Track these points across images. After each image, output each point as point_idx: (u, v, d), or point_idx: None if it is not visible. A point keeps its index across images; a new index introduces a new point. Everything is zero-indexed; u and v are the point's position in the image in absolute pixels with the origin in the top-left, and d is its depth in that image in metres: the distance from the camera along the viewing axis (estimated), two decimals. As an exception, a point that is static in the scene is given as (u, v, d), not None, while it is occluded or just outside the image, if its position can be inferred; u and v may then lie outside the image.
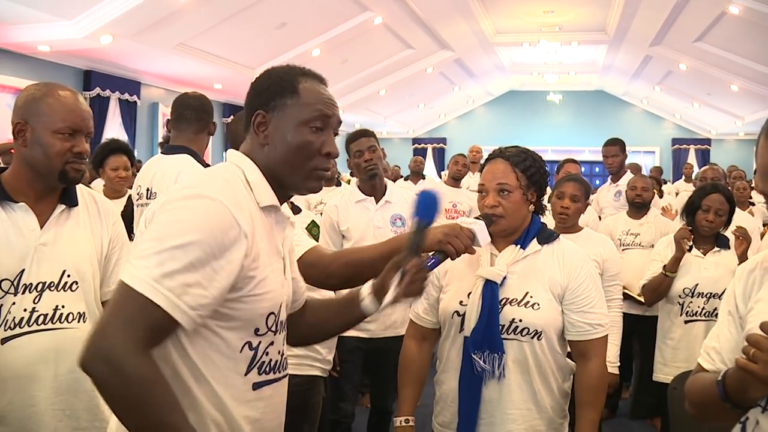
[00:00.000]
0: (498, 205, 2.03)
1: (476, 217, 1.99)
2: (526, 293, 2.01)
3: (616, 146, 5.47)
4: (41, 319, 1.87)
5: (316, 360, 2.72)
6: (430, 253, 1.88)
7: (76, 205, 1.99)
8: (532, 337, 2.00)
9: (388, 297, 1.56)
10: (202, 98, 3.08)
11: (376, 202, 3.33)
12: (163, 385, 1.21)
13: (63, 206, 1.96)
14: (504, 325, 2.00)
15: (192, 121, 2.99)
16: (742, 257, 3.38)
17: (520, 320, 2.00)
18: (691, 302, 3.51)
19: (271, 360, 1.43)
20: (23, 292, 1.85)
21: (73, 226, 1.97)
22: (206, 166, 3.55)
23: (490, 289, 2.01)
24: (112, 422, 1.41)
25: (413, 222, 1.61)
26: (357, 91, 13.21)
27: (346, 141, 3.37)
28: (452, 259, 1.89)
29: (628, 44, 12.46)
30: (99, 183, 4.78)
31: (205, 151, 3.13)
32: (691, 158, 17.13)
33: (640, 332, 4.19)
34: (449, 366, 2.11)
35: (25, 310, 1.85)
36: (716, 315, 3.34)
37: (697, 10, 9.45)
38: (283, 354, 1.49)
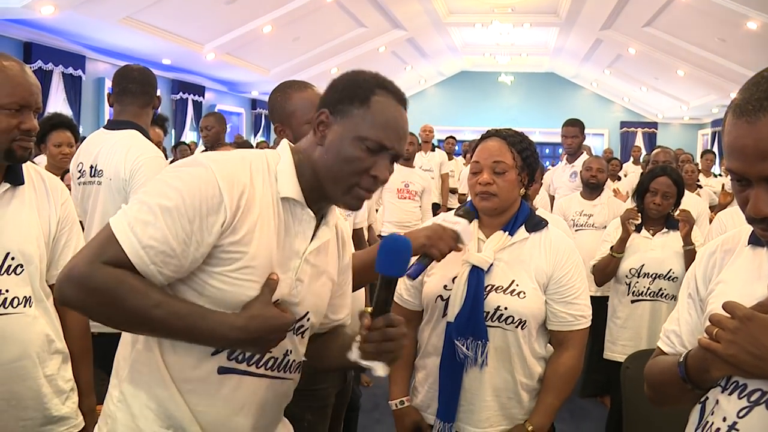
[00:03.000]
0: (492, 183, 1.98)
1: (457, 214, 1.96)
2: (512, 281, 1.98)
3: (576, 127, 5.50)
4: None
5: None
6: (414, 258, 1.86)
7: (22, 183, 1.88)
8: (516, 326, 1.97)
9: (352, 355, 1.40)
10: (146, 71, 2.97)
11: None
12: (130, 282, 1.25)
13: (7, 185, 1.85)
14: (488, 313, 1.97)
15: (137, 95, 2.87)
16: (686, 239, 3.45)
17: (506, 308, 1.97)
18: (638, 282, 3.57)
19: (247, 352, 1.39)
20: None
21: (18, 206, 1.86)
22: (153, 141, 3.44)
23: (476, 275, 1.97)
24: (113, 393, 1.42)
25: (380, 278, 1.39)
26: (308, 69, 13.06)
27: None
28: (437, 261, 1.89)
29: (579, 27, 12.59)
30: (42, 159, 4.61)
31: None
32: (638, 141, 17.51)
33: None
34: (430, 351, 2.09)
35: None
36: (661, 295, 3.49)
37: (646, -6, 9.61)
38: (287, 354, 1.45)
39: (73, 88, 9.62)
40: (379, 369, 1.37)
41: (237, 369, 1.38)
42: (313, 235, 1.45)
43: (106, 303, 1.26)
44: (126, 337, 1.42)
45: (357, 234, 3.37)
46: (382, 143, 1.38)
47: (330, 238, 1.51)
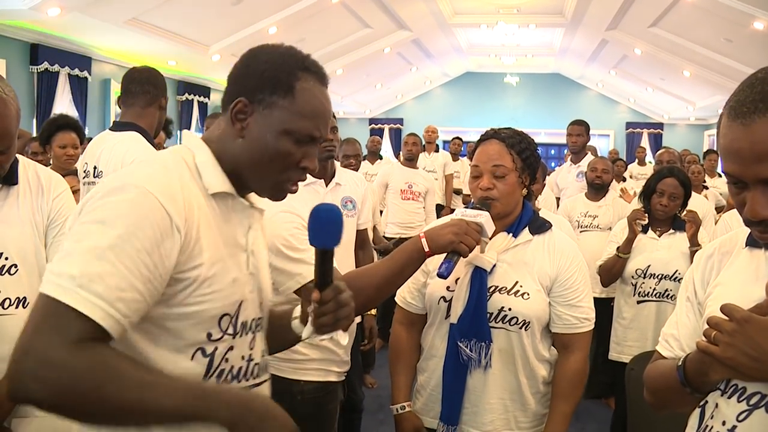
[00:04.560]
0: (493, 188, 1.96)
1: (475, 207, 1.93)
2: (516, 282, 1.97)
3: (581, 126, 5.53)
4: None
5: (332, 363, 2.44)
6: (444, 256, 1.84)
7: (16, 183, 1.86)
8: (520, 327, 1.96)
9: (305, 333, 1.39)
10: (150, 71, 2.95)
11: (326, 185, 3.16)
12: (117, 363, 1.06)
13: (1, 185, 1.83)
14: (492, 314, 1.96)
15: (138, 95, 2.86)
16: (692, 240, 3.44)
17: (509, 309, 1.96)
18: (644, 283, 3.57)
19: (233, 367, 1.30)
20: None
21: (12, 205, 1.85)
22: (155, 143, 3.43)
23: (479, 276, 1.96)
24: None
25: (315, 252, 1.31)
26: None
27: None
28: (464, 257, 1.85)
29: (584, 28, 12.55)
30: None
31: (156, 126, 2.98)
32: (644, 142, 17.44)
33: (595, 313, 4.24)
34: (433, 353, 2.07)
35: None
36: (667, 296, 3.47)
37: (652, -5, 9.58)
38: (250, 359, 1.35)
39: (79, 89, 9.63)
40: (342, 338, 1.37)
41: None
42: (250, 225, 1.36)
43: (87, 396, 1.03)
44: None
45: (361, 235, 3.35)
46: (312, 134, 1.30)
47: None
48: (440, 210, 7.67)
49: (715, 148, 12.86)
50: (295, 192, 1.36)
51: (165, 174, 1.20)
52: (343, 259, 3.12)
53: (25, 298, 1.84)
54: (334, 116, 3.27)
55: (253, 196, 1.39)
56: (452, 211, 7.98)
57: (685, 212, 3.56)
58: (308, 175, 3.08)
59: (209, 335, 1.25)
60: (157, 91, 2.91)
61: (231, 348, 1.29)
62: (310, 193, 3.13)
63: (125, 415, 1.07)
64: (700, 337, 1.24)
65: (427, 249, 1.83)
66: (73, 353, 1.03)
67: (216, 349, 1.27)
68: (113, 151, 2.74)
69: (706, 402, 1.32)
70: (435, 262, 2.03)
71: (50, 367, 1.02)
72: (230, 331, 1.28)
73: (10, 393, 1.06)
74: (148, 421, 1.08)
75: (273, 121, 1.27)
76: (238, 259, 1.31)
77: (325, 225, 1.28)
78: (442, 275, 1.83)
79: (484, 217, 1.86)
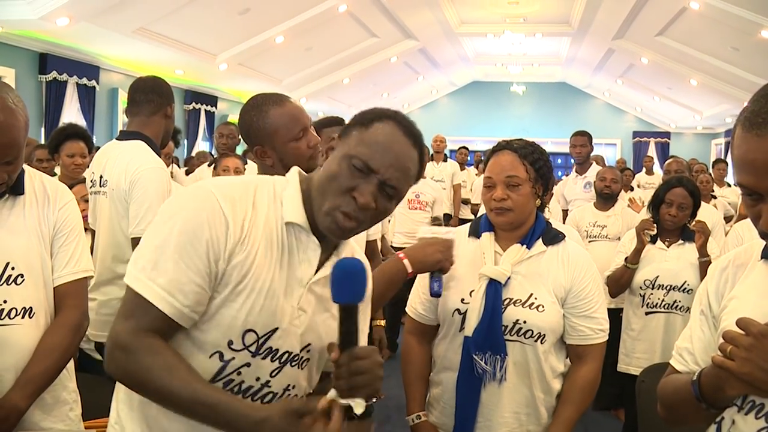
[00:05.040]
0: (507, 198, 1.96)
1: (434, 224, 1.99)
2: (531, 294, 1.96)
3: (584, 137, 5.53)
4: None
5: None
6: (432, 275, 1.89)
7: (22, 193, 1.85)
8: (536, 340, 1.95)
9: (330, 394, 1.24)
10: (155, 80, 2.94)
11: None
12: (161, 354, 1.23)
13: (6, 195, 1.82)
14: (507, 326, 1.94)
15: (142, 104, 2.84)
16: (702, 251, 3.42)
17: (524, 322, 1.94)
18: (652, 294, 3.55)
19: (243, 383, 1.32)
20: None
21: (19, 215, 1.84)
22: (164, 152, 3.42)
23: (494, 288, 1.95)
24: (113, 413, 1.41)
25: (339, 309, 1.26)
26: (320, 79, 13.09)
27: (318, 125, 3.26)
28: (444, 273, 1.93)
29: (591, 37, 12.56)
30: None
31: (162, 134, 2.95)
32: (651, 151, 17.41)
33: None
34: (446, 365, 2.05)
35: None
36: (676, 307, 3.45)
37: (659, 4, 9.57)
38: (267, 385, 1.34)
39: (87, 98, 9.67)
40: (357, 407, 1.24)
41: None
42: (321, 265, 1.38)
43: (139, 379, 1.24)
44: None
45: (370, 246, 3.36)
46: (368, 163, 1.29)
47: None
48: (448, 219, 7.65)
49: (722, 157, 12.84)
50: (346, 227, 1.31)
51: (238, 187, 1.32)
52: None
53: (31, 308, 1.82)
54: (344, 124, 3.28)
55: (343, 245, 1.42)
56: (460, 221, 8.01)
57: (694, 222, 3.53)
58: None
59: (230, 343, 1.30)
60: (162, 99, 2.88)
61: (248, 364, 1.32)
62: None
63: (168, 402, 1.24)
64: (715, 351, 1.22)
65: (410, 270, 1.88)
66: (138, 339, 1.23)
67: (233, 358, 1.31)
68: (118, 160, 2.73)
69: (723, 418, 1.30)
70: (447, 274, 2.04)
71: (119, 349, 1.25)
72: (252, 348, 1.31)
73: (105, 364, 1.28)
74: (179, 411, 1.25)
75: (343, 147, 1.34)
76: (289, 291, 1.34)
77: (351, 280, 1.26)
78: (437, 294, 1.88)
79: (452, 234, 1.91)
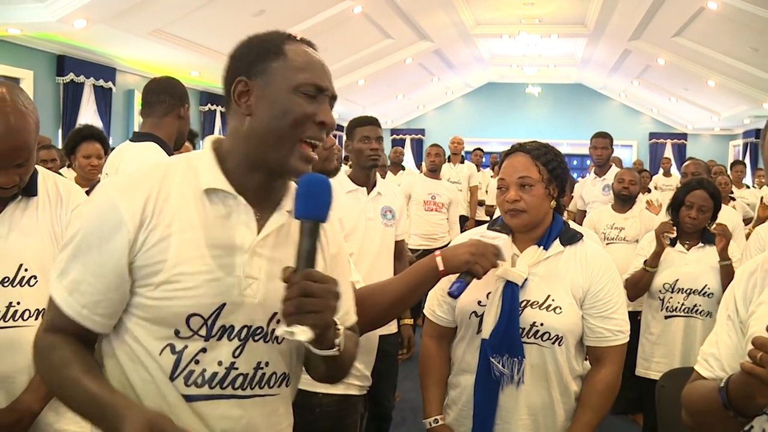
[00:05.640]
0: (519, 200, 1.96)
1: (494, 228, 1.95)
2: (548, 296, 1.94)
3: (606, 139, 5.46)
4: None
5: (351, 377, 2.31)
6: (456, 276, 1.82)
7: (35, 194, 1.85)
8: (553, 343, 1.93)
9: (278, 330, 1.19)
10: (167, 81, 2.93)
11: (368, 193, 3.19)
12: (61, 349, 1.24)
13: (19, 196, 1.82)
14: (524, 329, 1.93)
15: (155, 105, 2.84)
16: (722, 254, 3.37)
17: (542, 324, 1.93)
18: (671, 297, 3.50)
19: (205, 371, 1.25)
20: None
21: (32, 216, 1.84)
22: (171, 153, 3.42)
23: (511, 290, 1.93)
24: None
25: (300, 225, 1.20)
26: (335, 80, 12.57)
27: (352, 124, 3.24)
28: (478, 278, 1.83)
29: (607, 38, 12.48)
30: (67, 172, 4.65)
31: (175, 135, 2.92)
32: (668, 152, 17.29)
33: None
34: (464, 368, 2.05)
35: None
36: (696, 311, 3.40)
37: (676, 5, 9.48)
38: (233, 367, 1.26)
39: (104, 99, 9.73)
40: (299, 333, 1.14)
41: (201, 394, 1.25)
42: (264, 227, 1.29)
43: (47, 373, 1.27)
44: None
45: (399, 246, 3.37)
46: (317, 84, 1.28)
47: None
48: (465, 221, 7.62)
49: (741, 159, 12.72)
50: (314, 158, 1.29)
51: (142, 174, 1.28)
52: (383, 269, 3.13)
53: (44, 310, 1.82)
54: (380, 126, 3.26)
55: (284, 200, 1.33)
56: (476, 222, 7.98)
57: (714, 225, 3.48)
58: (351, 183, 3.03)
59: (177, 332, 1.23)
60: (174, 100, 2.86)
61: (203, 350, 1.25)
62: (351, 200, 3.14)
63: (67, 400, 1.24)
64: (742, 357, 1.20)
65: (441, 268, 1.82)
66: (42, 337, 1.28)
67: (186, 347, 1.24)
68: (130, 161, 2.74)
69: (752, 427, 1.27)
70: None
71: (33, 348, 1.30)
72: (202, 332, 1.24)
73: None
74: (81, 415, 1.24)
75: (275, 84, 1.27)
76: (228, 261, 1.25)
77: (315, 195, 1.21)
78: (452, 294, 1.82)
79: (502, 240, 1.85)
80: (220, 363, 1.26)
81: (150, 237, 1.21)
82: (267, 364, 1.31)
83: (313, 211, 1.19)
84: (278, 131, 1.25)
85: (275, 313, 1.28)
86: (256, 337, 1.29)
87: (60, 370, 1.23)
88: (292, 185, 1.33)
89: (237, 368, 1.27)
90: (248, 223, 1.28)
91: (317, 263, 1.22)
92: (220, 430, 1.27)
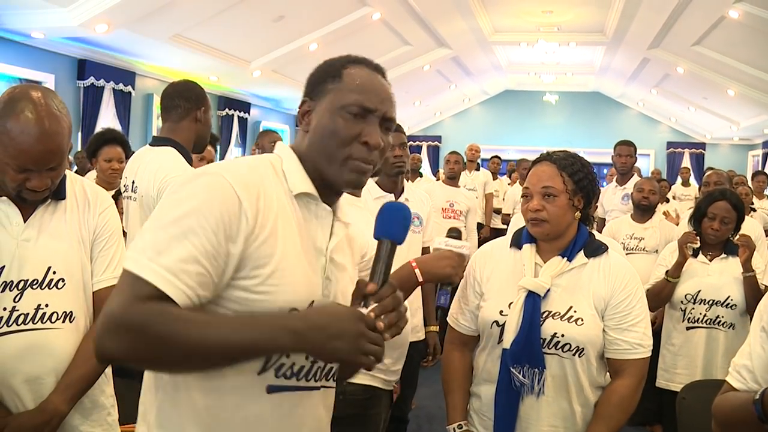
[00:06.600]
0: (542, 209, 1.95)
1: (449, 235, 2.00)
2: (570, 307, 1.93)
3: (630, 147, 5.42)
4: (21, 318, 1.76)
5: (377, 369, 2.28)
6: (440, 287, 1.94)
7: (64, 198, 1.88)
8: (574, 354, 1.92)
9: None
10: (184, 85, 2.93)
11: (395, 200, 3.17)
12: (170, 311, 1.14)
13: (49, 200, 1.85)
14: (545, 339, 1.92)
15: (171, 110, 2.85)
16: (746, 265, 3.34)
17: (562, 335, 1.92)
18: (693, 309, 3.46)
19: (294, 364, 1.29)
20: (3, 291, 1.75)
21: (60, 220, 1.86)
22: (204, 157, 3.42)
23: (533, 300, 1.93)
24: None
25: (379, 245, 1.30)
26: None
27: None
28: (454, 285, 1.98)
29: (626, 46, 12.43)
30: (91, 174, 4.68)
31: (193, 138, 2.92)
32: (686, 162, 17.16)
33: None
34: (485, 377, 2.05)
35: (4, 309, 1.74)
36: (718, 323, 3.37)
37: (696, 13, 9.42)
38: (315, 361, 1.32)
39: (123, 103, 9.81)
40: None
41: (288, 386, 1.29)
42: (331, 232, 1.39)
43: (154, 341, 1.12)
44: (148, 382, 1.32)
45: (426, 253, 3.37)
46: (363, 105, 1.32)
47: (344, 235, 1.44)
48: (480, 228, 7.60)
49: (761, 169, 12.60)
50: (365, 171, 1.34)
51: (246, 168, 1.28)
52: None
53: (71, 312, 1.85)
54: (403, 132, 3.26)
55: (340, 211, 1.42)
56: (492, 230, 7.94)
57: (738, 236, 3.45)
58: (379, 189, 3.05)
59: None
60: (190, 104, 2.86)
61: None
62: (379, 207, 3.13)
63: (190, 355, 1.14)
64: None
65: (420, 279, 1.93)
66: (133, 306, 1.13)
67: None
68: (148, 166, 2.75)
69: (785, 441, 1.25)
70: (487, 285, 2.03)
71: (117, 322, 1.13)
72: None
73: (97, 356, 1.16)
74: (213, 361, 1.17)
75: (327, 103, 1.33)
76: (314, 261, 1.33)
77: (394, 217, 1.32)
78: (444, 306, 1.93)
79: (466, 249, 1.94)
80: (307, 357, 1.31)
81: (263, 231, 1.24)
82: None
83: (398, 234, 1.30)
84: (326, 150, 1.32)
85: None
86: None
87: (194, 315, 1.16)
88: (345, 195, 1.44)
89: (317, 361, 1.33)
90: (324, 227, 1.37)
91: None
92: (297, 423, 1.32)
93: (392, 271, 1.32)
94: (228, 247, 1.20)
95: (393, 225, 1.30)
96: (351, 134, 1.31)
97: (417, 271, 1.92)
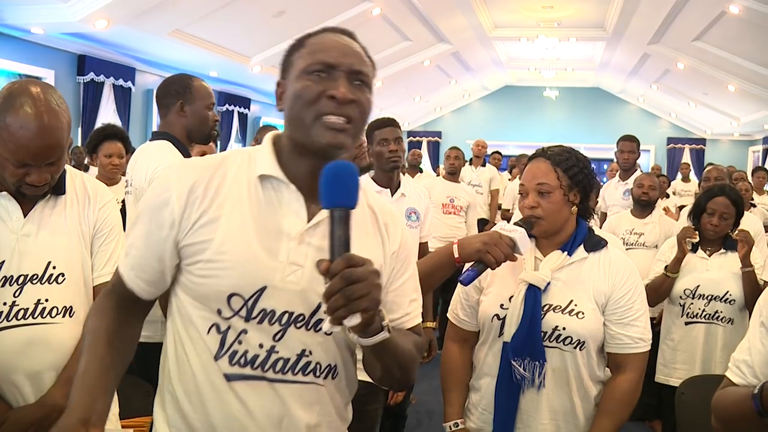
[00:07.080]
0: (537, 206, 1.95)
1: (516, 223, 1.92)
2: (571, 301, 1.94)
3: (633, 142, 5.42)
4: (21, 313, 1.77)
5: None
6: (468, 264, 1.84)
7: (64, 193, 1.89)
8: (575, 347, 1.93)
9: (325, 326, 1.16)
10: (169, 79, 2.90)
11: (392, 195, 3.17)
12: (92, 335, 1.34)
13: (49, 195, 1.86)
14: (546, 333, 1.92)
15: (160, 106, 2.86)
16: (744, 261, 3.34)
17: (563, 328, 1.92)
18: (692, 304, 3.47)
19: (247, 352, 1.28)
20: (3, 285, 1.76)
21: (60, 215, 1.87)
22: (205, 151, 3.43)
23: (533, 294, 1.93)
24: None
25: (329, 216, 1.15)
26: None
27: (370, 127, 3.22)
28: (492, 269, 1.84)
29: (626, 42, 12.42)
30: (93, 171, 4.69)
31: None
32: (686, 157, 17.16)
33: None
34: (486, 371, 2.05)
35: (4, 304, 1.75)
36: (717, 318, 3.37)
37: (697, 9, 9.40)
38: (273, 351, 1.28)
39: (123, 99, 9.81)
40: (353, 319, 1.12)
41: (243, 374, 1.28)
42: (314, 217, 1.31)
43: (85, 333, 1.39)
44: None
45: (423, 248, 3.36)
46: (324, 61, 1.27)
47: (361, 221, 1.33)
48: (484, 224, 7.60)
49: (761, 165, 12.59)
50: (337, 125, 1.26)
51: (208, 159, 1.35)
52: None
53: (71, 307, 1.86)
54: (399, 127, 3.24)
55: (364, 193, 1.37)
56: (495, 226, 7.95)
57: (737, 231, 3.45)
58: (375, 185, 3.04)
59: (219, 311, 1.29)
60: (171, 99, 2.82)
61: (244, 331, 1.28)
62: None
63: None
64: None
65: (456, 255, 1.86)
66: (98, 299, 1.42)
67: (229, 327, 1.29)
68: (141, 159, 2.77)
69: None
70: (487, 279, 2.04)
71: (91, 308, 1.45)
72: (242, 313, 1.28)
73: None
74: None
75: (293, 75, 1.31)
76: (273, 245, 1.29)
77: (341, 180, 1.15)
78: (462, 282, 1.83)
79: (518, 233, 1.84)
80: (261, 345, 1.29)
81: (200, 218, 1.28)
82: (310, 352, 1.32)
83: (342, 198, 1.14)
84: (298, 116, 1.28)
85: (320, 304, 1.26)
86: (298, 324, 1.30)
87: (87, 335, 1.35)
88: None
89: (278, 352, 1.29)
90: (298, 211, 1.31)
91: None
92: (261, 413, 1.29)
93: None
94: (160, 233, 1.30)
95: (337, 189, 1.14)
96: (316, 92, 1.26)
97: (455, 246, 1.86)
